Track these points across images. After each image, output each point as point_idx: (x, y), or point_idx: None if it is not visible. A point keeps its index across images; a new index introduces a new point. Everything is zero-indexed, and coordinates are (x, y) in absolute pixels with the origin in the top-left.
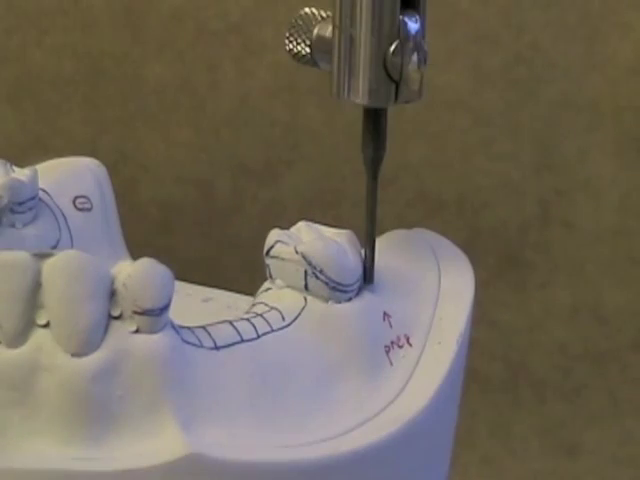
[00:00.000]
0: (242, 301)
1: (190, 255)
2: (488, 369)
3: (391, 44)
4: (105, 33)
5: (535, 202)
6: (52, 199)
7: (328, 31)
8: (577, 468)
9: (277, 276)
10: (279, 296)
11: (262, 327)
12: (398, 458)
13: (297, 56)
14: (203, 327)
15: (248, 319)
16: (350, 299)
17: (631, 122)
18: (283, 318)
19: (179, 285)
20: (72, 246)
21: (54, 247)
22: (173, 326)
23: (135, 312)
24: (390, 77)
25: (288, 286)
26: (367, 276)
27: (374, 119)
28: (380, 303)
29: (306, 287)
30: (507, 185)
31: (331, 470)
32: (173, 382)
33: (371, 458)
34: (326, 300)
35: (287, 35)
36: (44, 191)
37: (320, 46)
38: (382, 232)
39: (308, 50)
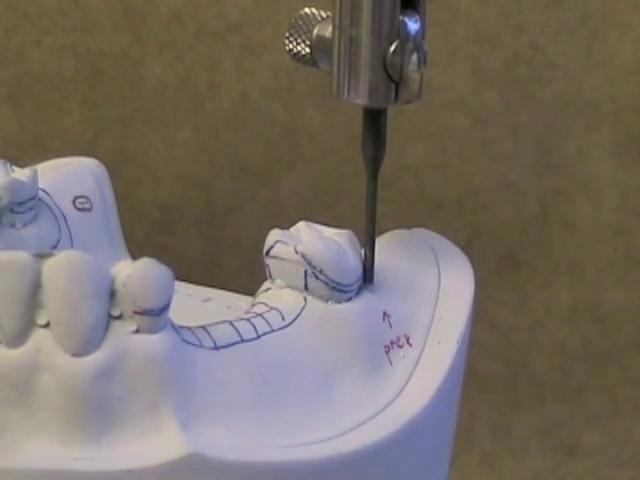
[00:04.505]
0: (242, 301)
1: (190, 255)
2: (488, 369)
3: (391, 44)
4: (105, 33)
5: (535, 202)
6: (52, 199)
7: (328, 31)
8: (577, 468)
9: (277, 276)
10: (279, 296)
11: (262, 327)
12: (398, 458)
13: (297, 56)
14: (203, 327)
15: (248, 319)
16: (350, 299)
17: (631, 122)
18: (283, 318)
19: (179, 285)
20: (72, 246)
21: (54, 247)
22: (173, 326)
23: (135, 312)
24: (390, 77)
25: (288, 286)
26: (367, 276)
27: (374, 119)
28: (380, 303)
29: (306, 287)
30: (507, 185)
31: (331, 470)
32: (173, 382)
33: (371, 458)
34: (326, 300)
35: (287, 35)
36: (44, 191)
37: (320, 46)
38: (382, 232)
39: (308, 50)
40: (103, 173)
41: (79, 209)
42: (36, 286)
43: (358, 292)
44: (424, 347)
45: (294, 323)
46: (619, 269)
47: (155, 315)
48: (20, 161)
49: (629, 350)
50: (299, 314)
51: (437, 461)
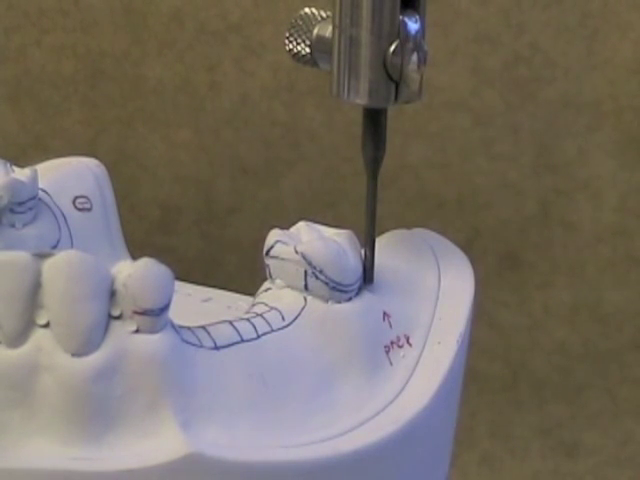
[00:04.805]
0: (242, 301)
1: (190, 255)
2: (488, 369)
3: (391, 44)
4: (105, 33)
5: (535, 202)
6: (52, 199)
7: (328, 31)
8: (577, 468)
9: (277, 276)
10: (279, 296)
11: (262, 327)
12: (398, 458)
13: (297, 56)
14: (203, 327)
15: (248, 319)
16: (350, 299)
17: (631, 122)
18: (283, 318)
19: (179, 285)
20: (72, 246)
21: (54, 247)
22: (173, 326)
23: (135, 312)
24: (390, 77)
25: (288, 286)
26: (367, 276)
27: (374, 119)
28: (380, 303)
29: (306, 287)
30: (507, 185)
31: (331, 470)
32: (173, 382)
33: (371, 458)
34: (326, 300)
35: (287, 35)
36: (44, 191)
37: (320, 46)
38: (382, 232)
39: (308, 50)
40: (103, 173)
41: (79, 209)
42: (36, 286)
43: (358, 292)
44: (424, 347)
45: (294, 323)
46: (619, 269)
47: (155, 315)
48: (20, 161)
49: (629, 350)
50: (299, 314)
51: (437, 461)
